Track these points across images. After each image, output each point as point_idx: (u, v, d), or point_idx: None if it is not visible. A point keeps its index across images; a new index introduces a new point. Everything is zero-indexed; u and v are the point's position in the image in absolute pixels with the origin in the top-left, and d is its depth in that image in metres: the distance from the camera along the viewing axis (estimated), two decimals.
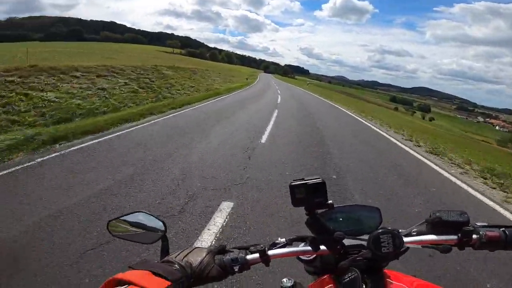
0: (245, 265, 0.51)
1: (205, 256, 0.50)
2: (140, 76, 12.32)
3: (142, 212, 0.60)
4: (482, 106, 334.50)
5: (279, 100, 14.51)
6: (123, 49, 45.29)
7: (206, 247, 0.53)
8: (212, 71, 25.76)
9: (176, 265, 0.46)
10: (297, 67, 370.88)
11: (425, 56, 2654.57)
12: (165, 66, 17.35)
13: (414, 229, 0.57)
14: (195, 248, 0.52)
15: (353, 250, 0.53)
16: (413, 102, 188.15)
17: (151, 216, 0.59)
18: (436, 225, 0.54)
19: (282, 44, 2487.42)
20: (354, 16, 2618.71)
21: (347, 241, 0.52)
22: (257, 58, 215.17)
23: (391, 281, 0.50)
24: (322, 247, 0.52)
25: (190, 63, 32.22)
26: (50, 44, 37.46)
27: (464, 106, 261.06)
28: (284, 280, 0.61)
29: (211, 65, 41.92)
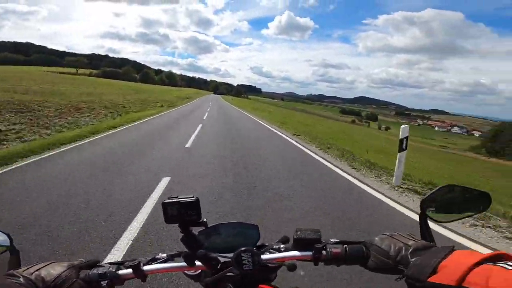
0: (116, 280, 0.50)
1: (64, 271, 0.47)
2: None
3: None
4: (413, 109, 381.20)
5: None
6: None
7: (67, 261, 0.50)
8: (118, 95, 15.62)
9: (21, 279, 0.43)
10: (250, 86, 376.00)
11: (360, 67, 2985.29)
12: None
13: (282, 246, 0.58)
14: (52, 262, 0.49)
15: (227, 266, 0.53)
16: (361, 112, 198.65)
17: None
18: (297, 242, 0.55)
19: (233, 65, 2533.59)
20: (298, 33, 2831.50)
21: (223, 258, 0.53)
22: (208, 79, 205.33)
23: None
24: (198, 263, 0.53)
25: (86, 85, 21.20)
26: None
27: (401, 111, 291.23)
28: None
29: (134, 87, 30.60)
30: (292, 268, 0.54)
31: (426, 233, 0.53)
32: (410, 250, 0.45)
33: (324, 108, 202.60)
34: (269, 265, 0.55)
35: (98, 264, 0.53)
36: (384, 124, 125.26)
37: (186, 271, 0.57)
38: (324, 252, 0.53)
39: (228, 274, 0.52)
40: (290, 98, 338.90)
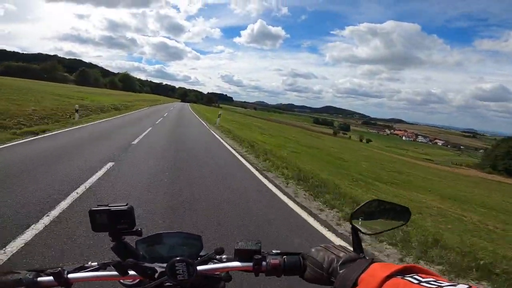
0: (33, 287, 0.48)
1: None
2: None
3: None
4: (375, 118, 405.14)
5: None
6: None
7: None
8: None
9: None
10: (221, 94, 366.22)
11: (327, 77, 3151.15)
12: None
13: (224, 256, 0.58)
14: None
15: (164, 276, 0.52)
16: (333, 122, 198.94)
17: None
18: (238, 253, 0.55)
19: (203, 73, 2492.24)
20: (269, 42, 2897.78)
21: (161, 268, 0.52)
22: (177, 86, 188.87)
23: None
24: (132, 272, 0.51)
25: None
26: None
27: (367, 121, 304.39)
28: None
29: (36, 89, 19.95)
30: (227, 279, 0.55)
31: (356, 244, 0.54)
32: (340, 262, 0.47)
33: (298, 118, 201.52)
34: (213, 275, 0.55)
35: (13, 271, 0.49)
36: (356, 134, 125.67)
37: (123, 281, 0.55)
38: (263, 263, 0.54)
39: (166, 284, 0.51)
40: (262, 107, 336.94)
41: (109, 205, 0.52)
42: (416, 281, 0.33)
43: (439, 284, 0.32)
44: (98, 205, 0.53)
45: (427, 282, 0.33)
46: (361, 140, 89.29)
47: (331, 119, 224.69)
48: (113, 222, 0.52)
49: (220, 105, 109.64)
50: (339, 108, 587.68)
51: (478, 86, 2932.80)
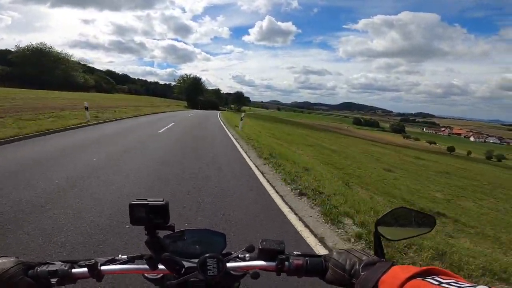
0: (67, 278, 0.50)
1: (12, 266, 0.46)
2: None
3: None
4: (399, 114, 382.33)
5: None
6: None
7: (17, 258, 0.49)
8: None
9: None
10: (235, 94, 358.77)
11: (341, 72, 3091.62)
12: None
13: (247, 255, 0.58)
14: (1, 256, 0.49)
15: (192, 272, 0.53)
16: (378, 123, 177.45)
17: None
18: (262, 252, 0.56)
19: (214, 74, 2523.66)
20: (280, 39, 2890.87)
21: (188, 263, 0.53)
22: None
23: None
24: (161, 267, 0.52)
25: None
26: None
27: (405, 118, 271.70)
28: None
29: None
30: (255, 276, 0.54)
31: (378, 249, 0.55)
32: (362, 264, 0.48)
33: (331, 118, 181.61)
34: (233, 273, 0.56)
35: (49, 262, 0.51)
36: (413, 136, 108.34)
37: (147, 274, 0.56)
38: (286, 263, 0.55)
39: (192, 279, 0.52)
40: (280, 106, 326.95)
41: (148, 200, 0.52)
42: (436, 283, 0.33)
43: (460, 285, 0.32)
44: (137, 199, 0.52)
45: (447, 283, 0.33)
46: (450, 151, 67.39)
47: (370, 118, 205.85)
48: (150, 216, 0.51)
49: (242, 108, 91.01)
50: (357, 104, 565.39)
51: (503, 76, 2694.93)
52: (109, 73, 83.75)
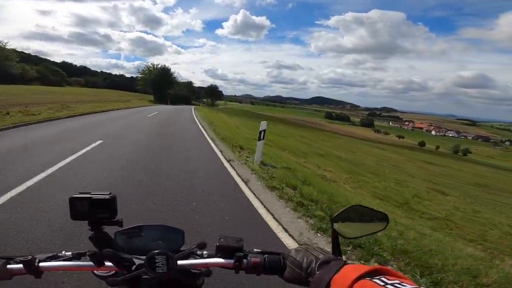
0: (2, 274, 0.48)
1: None
2: None
3: None
4: (366, 108, 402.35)
5: None
6: None
7: None
8: None
9: None
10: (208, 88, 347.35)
11: (312, 67, 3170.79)
12: None
13: (205, 252, 0.57)
14: None
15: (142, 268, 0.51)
16: (348, 117, 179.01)
17: None
18: (219, 249, 0.55)
19: (186, 68, 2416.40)
20: (254, 33, 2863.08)
21: (139, 260, 0.51)
22: None
23: None
24: (108, 263, 0.50)
25: None
26: None
27: (372, 112, 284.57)
28: None
29: None
30: (208, 274, 0.54)
31: (335, 246, 0.55)
32: (318, 263, 0.48)
33: (295, 112, 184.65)
34: (193, 271, 0.54)
35: None
36: (382, 130, 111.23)
37: (96, 272, 0.53)
38: (244, 260, 0.54)
39: (144, 276, 0.51)
40: (253, 100, 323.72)
41: (91, 193, 0.51)
42: (382, 283, 0.35)
43: (402, 286, 0.34)
44: (80, 193, 0.51)
45: (392, 284, 0.34)
46: (421, 145, 68.35)
47: (331, 111, 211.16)
48: (94, 211, 0.50)
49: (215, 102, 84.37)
50: (327, 98, 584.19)
51: (458, 74, 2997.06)
52: (65, 65, 73.57)
